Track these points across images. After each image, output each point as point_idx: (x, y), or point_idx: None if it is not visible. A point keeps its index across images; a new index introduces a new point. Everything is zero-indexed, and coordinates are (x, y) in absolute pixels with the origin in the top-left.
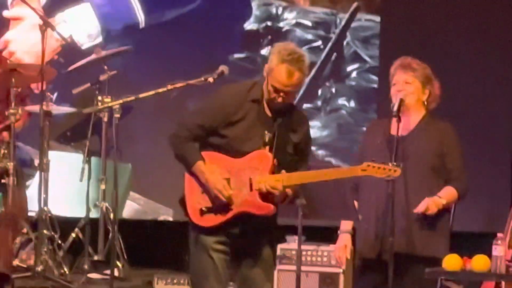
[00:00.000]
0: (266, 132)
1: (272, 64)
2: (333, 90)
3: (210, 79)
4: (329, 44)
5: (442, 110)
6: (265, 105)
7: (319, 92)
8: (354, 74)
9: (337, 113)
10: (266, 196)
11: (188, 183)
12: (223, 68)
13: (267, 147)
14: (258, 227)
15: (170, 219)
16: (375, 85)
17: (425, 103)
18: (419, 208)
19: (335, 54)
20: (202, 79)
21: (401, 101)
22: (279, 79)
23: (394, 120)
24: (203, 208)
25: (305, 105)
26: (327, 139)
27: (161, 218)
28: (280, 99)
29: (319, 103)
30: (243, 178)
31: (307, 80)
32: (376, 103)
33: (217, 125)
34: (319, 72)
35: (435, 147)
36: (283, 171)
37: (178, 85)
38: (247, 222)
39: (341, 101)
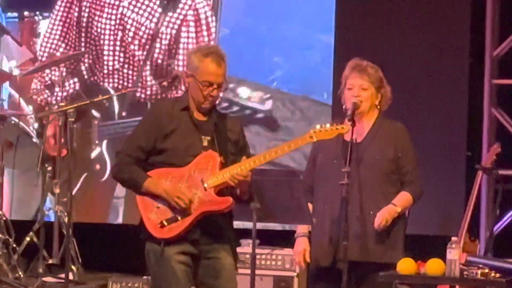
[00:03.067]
0: (203, 136)
1: (195, 64)
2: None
3: (165, 83)
4: None
5: (396, 114)
6: (195, 111)
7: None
8: None
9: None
10: (221, 192)
11: (142, 204)
12: (177, 72)
13: (210, 150)
14: (216, 230)
15: None
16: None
17: (378, 106)
18: (377, 223)
19: None
20: (157, 82)
21: (355, 105)
22: (210, 70)
23: (346, 124)
24: (163, 221)
25: None
26: None
27: None
28: (214, 93)
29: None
30: (195, 181)
31: None
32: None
33: (154, 141)
34: None
35: (390, 153)
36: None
37: (133, 88)
38: (205, 226)
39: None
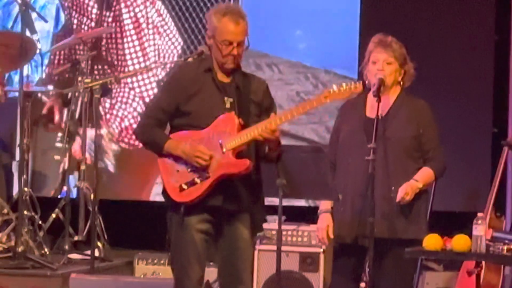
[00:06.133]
0: (225, 98)
1: (214, 24)
2: None
3: (190, 59)
4: None
5: (421, 91)
6: (218, 73)
7: None
8: None
9: None
10: (241, 154)
11: (163, 167)
12: (202, 48)
13: (227, 113)
14: (239, 195)
15: None
16: None
17: (401, 82)
18: (399, 197)
19: None
20: (182, 59)
21: (381, 81)
22: (228, 29)
23: (369, 100)
24: (182, 185)
25: None
26: None
27: None
28: (235, 51)
29: None
30: (213, 144)
31: None
32: None
33: (177, 103)
34: None
35: (412, 129)
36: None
37: (158, 65)
38: (227, 194)
39: None
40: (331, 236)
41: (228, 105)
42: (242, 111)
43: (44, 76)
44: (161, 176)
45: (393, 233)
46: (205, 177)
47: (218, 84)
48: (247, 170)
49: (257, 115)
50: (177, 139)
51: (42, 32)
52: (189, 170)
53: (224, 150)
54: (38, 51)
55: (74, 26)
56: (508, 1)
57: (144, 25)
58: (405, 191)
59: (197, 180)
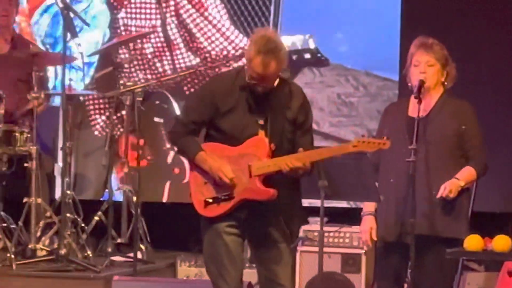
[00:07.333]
0: (259, 118)
1: (250, 53)
2: None
3: (232, 62)
4: None
5: (463, 89)
6: (253, 91)
7: None
8: None
9: None
10: (267, 181)
11: (192, 176)
12: (244, 51)
13: (263, 132)
14: (264, 213)
15: None
16: None
17: (444, 83)
18: (440, 193)
19: None
20: (224, 61)
21: (422, 82)
22: (256, 70)
23: (412, 101)
24: (207, 199)
25: None
26: None
27: None
28: (260, 89)
29: None
30: (242, 165)
31: None
32: None
33: (208, 117)
34: None
35: (454, 128)
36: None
37: (200, 68)
38: (252, 209)
39: None
40: (374, 238)
41: (262, 122)
42: (275, 130)
43: (88, 80)
44: (189, 186)
45: (433, 231)
46: (229, 197)
47: (252, 104)
48: (270, 200)
49: (291, 132)
50: (208, 150)
51: (90, 43)
52: (216, 185)
53: (251, 174)
54: (80, 55)
55: (131, 22)
56: None
57: (204, 23)
58: (447, 188)
59: (221, 197)
